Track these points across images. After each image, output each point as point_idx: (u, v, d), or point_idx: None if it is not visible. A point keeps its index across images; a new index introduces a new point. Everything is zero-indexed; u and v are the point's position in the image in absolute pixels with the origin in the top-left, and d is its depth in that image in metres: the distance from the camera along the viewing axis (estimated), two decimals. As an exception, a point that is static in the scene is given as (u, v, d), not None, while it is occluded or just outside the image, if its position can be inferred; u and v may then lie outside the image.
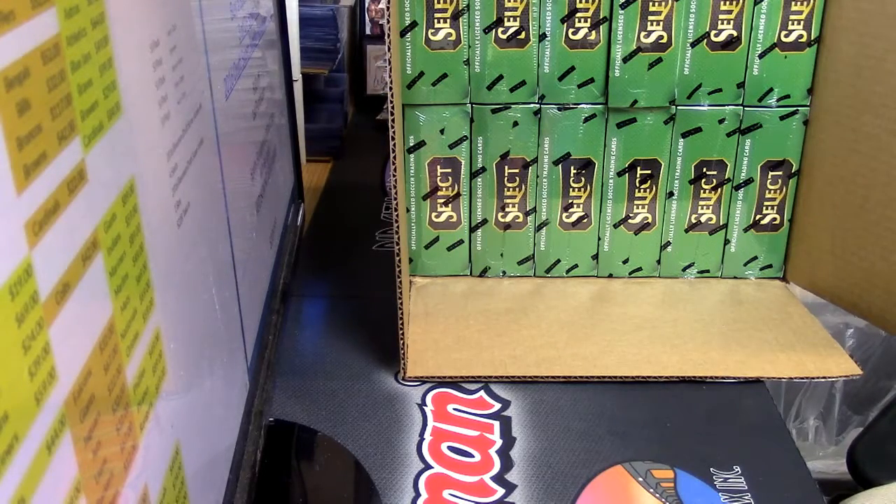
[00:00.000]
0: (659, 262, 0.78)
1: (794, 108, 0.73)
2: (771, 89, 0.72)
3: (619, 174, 0.74)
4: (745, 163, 0.74)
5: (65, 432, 0.25)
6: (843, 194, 0.71)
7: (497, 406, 0.68)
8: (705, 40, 0.71)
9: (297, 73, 0.99)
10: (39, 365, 0.24)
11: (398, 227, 0.62)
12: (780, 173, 0.75)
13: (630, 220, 0.76)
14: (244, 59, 0.59)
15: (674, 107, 0.72)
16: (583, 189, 0.75)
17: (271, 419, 0.63)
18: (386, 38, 0.56)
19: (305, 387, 0.69)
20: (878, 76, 0.66)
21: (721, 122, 0.73)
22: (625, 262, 0.79)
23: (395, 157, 0.60)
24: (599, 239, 0.77)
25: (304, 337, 0.77)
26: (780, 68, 0.72)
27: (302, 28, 1.03)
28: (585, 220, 0.76)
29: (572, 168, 0.74)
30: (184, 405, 0.39)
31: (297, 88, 1.01)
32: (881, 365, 1.40)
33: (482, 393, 0.69)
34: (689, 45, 0.71)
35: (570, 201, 0.75)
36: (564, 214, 0.76)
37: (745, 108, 0.73)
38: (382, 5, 1.18)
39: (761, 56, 0.71)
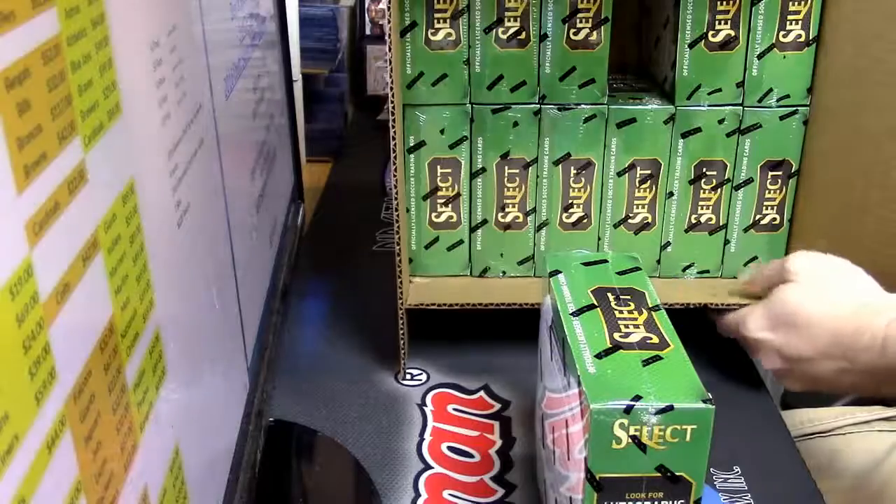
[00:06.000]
0: (659, 262, 0.78)
1: (794, 108, 0.73)
2: (770, 89, 0.72)
3: (619, 174, 0.74)
4: (745, 163, 0.74)
5: (65, 432, 0.25)
6: (843, 194, 0.71)
7: (497, 406, 0.68)
8: (703, 41, 0.71)
9: (297, 73, 0.99)
10: (39, 365, 0.24)
11: (398, 227, 0.62)
12: (780, 173, 0.74)
13: (630, 220, 0.76)
14: (244, 59, 0.59)
15: (673, 106, 0.72)
16: (583, 189, 0.75)
17: (271, 419, 0.63)
18: (387, 38, 0.56)
19: (305, 387, 0.69)
20: (877, 75, 0.66)
21: (721, 122, 0.73)
22: None
23: (395, 158, 0.60)
24: (599, 239, 0.77)
25: (304, 337, 0.77)
26: (780, 69, 0.72)
27: (302, 28, 1.04)
28: (585, 221, 0.76)
29: (572, 168, 0.74)
30: (184, 405, 0.39)
31: (297, 88, 1.01)
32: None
33: (482, 393, 0.69)
34: (686, 45, 0.71)
35: (570, 201, 0.75)
36: (564, 214, 0.76)
37: (745, 109, 0.73)
38: (383, 5, 1.18)
39: (760, 57, 0.71)
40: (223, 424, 0.47)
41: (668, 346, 0.47)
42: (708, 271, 0.79)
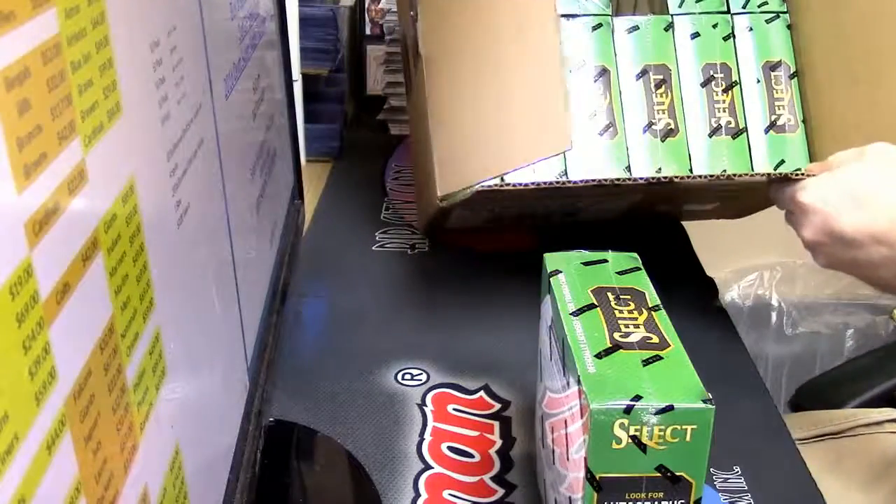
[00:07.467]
0: (691, 170, 0.77)
1: (776, 13, 0.74)
2: None
3: (637, 78, 0.75)
4: (748, 64, 0.76)
5: (65, 432, 0.25)
6: (846, 87, 0.72)
7: (497, 406, 0.68)
8: None
9: (297, 73, 0.99)
10: (39, 365, 0.24)
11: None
12: (781, 73, 0.76)
13: (654, 126, 0.76)
14: (244, 59, 0.59)
15: (669, 15, 0.74)
16: (602, 96, 0.75)
17: (271, 419, 0.63)
18: None
19: (305, 387, 0.69)
20: None
21: (714, 27, 0.74)
22: (657, 171, 0.77)
23: None
24: (628, 148, 0.76)
25: (304, 337, 0.77)
26: None
27: (302, 28, 1.03)
28: (611, 129, 0.75)
29: (592, 76, 0.74)
30: (184, 405, 0.39)
31: (297, 88, 1.01)
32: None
33: (482, 393, 0.69)
34: None
35: (594, 110, 0.75)
36: (590, 123, 0.76)
37: (732, 15, 0.74)
38: (383, 4, 1.18)
39: None
40: (223, 424, 0.47)
41: (668, 345, 0.47)
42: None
